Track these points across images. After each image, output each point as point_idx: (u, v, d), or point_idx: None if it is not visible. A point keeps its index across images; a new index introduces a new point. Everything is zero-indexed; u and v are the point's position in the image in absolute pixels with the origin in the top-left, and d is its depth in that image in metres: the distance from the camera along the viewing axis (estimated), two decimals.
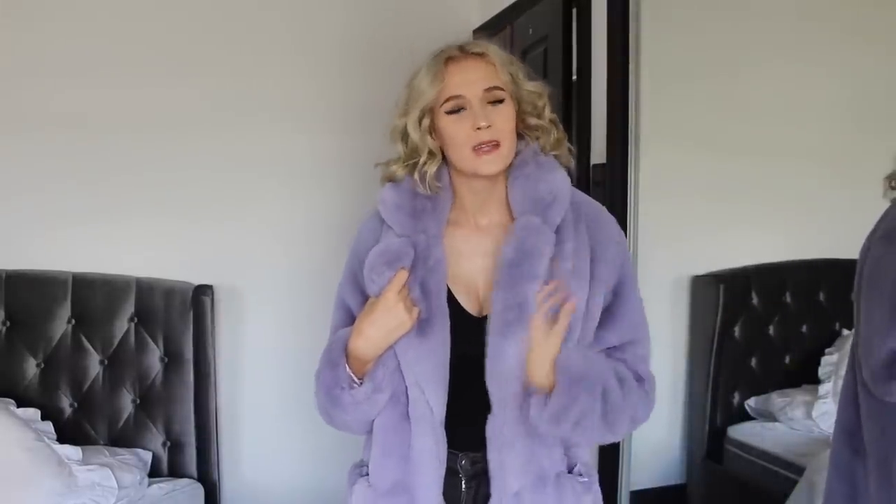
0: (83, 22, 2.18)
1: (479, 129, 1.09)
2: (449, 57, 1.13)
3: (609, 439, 1.16)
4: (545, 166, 1.17)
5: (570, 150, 1.21)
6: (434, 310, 1.12)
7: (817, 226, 2.77)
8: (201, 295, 2.13)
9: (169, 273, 2.20)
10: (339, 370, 1.12)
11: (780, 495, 2.10)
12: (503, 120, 1.12)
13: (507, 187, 1.18)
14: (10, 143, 2.15)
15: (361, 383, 1.11)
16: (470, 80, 1.11)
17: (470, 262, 1.16)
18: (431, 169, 1.15)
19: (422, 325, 1.11)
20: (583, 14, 2.10)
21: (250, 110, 2.32)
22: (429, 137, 1.13)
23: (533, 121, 1.17)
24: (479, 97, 1.11)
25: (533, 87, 1.16)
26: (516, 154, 1.17)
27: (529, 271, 1.09)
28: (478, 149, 1.10)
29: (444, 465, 1.12)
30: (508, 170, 1.17)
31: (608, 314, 1.16)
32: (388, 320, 1.09)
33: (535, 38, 2.32)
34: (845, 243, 2.83)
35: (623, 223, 2.04)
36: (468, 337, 1.12)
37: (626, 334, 1.17)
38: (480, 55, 1.13)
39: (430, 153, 1.14)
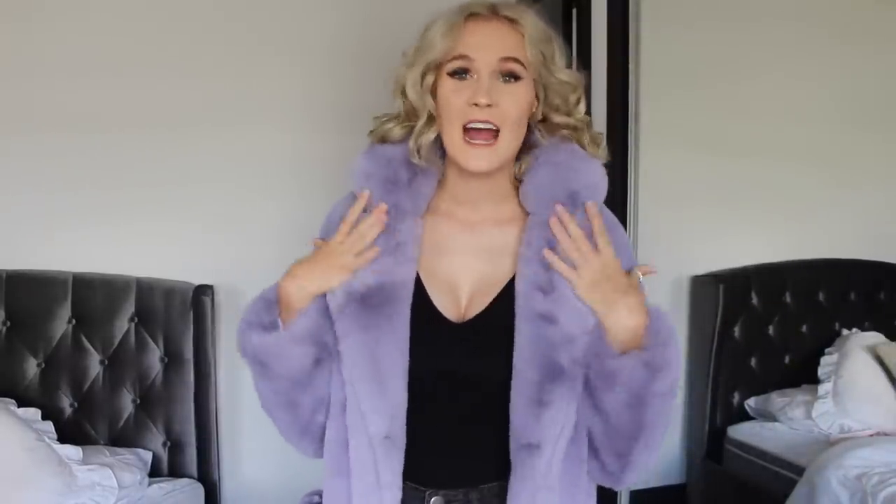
0: (81, 22, 2.17)
1: (475, 104, 0.90)
2: (473, 13, 0.94)
3: (651, 444, 0.96)
4: (579, 154, 0.98)
5: (605, 149, 1.02)
6: (389, 296, 0.93)
7: (817, 226, 2.78)
8: (202, 295, 2.14)
9: (169, 273, 2.20)
10: (264, 305, 1.00)
11: (780, 495, 2.11)
12: (512, 102, 0.92)
13: (515, 177, 1.00)
14: (10, 143, 2.15)
15: None
16: (487, 43, 0.92)
17: (452, 258, 0.97)
18: (428, 136, 0.96)
19: (367, 311, 0.92)
20: (583, 14, 2.11)
21: (251, 110, 2.32)
22: (429, 98, 0.95)
23: (559, 118, 0.98)
24: (491, 66, 0.91)
25: (567, 77, 0.96)
26: (531, 141, 0.98)
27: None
28: (469, 134, 0.91)
29: (394, 494, 0.91)
30: (526, 155, 0.99)
31: None
32: (316, 266, 0.96)
33: None
34: (845, 243, 2.85)
35: (623, 223, 2.03)
36: (443, 347, 0.93)
37: None
38: (511, 21, 0.93)
39: (430, 117, 0.96)
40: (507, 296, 0.94)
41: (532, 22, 0.94)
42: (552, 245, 0.94)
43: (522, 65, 0.92)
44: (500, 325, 0.93)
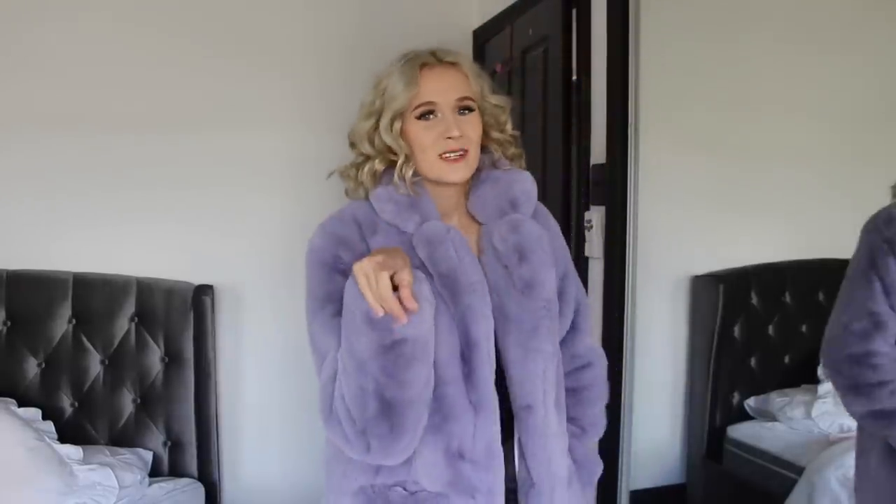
0: (81, 24, 2.18)
1: (449, 137, 1.12)
2: (424, 63, 1.14)
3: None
4: (513, 172, 1.22)
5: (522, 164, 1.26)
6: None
7: (817, 226, 2.77)
8: (202, 295, 2.14)
9: (169, 273, 2.20)
10: (379, 321, 0.96)
11: (779, 495, 2.11)
12: (472, 129, 1.15)
13: (467, 195, 1.21)
14: (10, 143, 2.15)
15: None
16: (443, 87, 1.13)
17: None
18: (408, 171, 1.15)
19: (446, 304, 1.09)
20: (583, 14, 2.10)
21: (251, 111, 2.33)
22: (402, 140, 1.14)
23: (496, 134, 1.21)
24: (450, 105, 1.13)
25: (497, 101, 1.19)
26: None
27: (543, 258, 1.15)
28: (445, 157, 1.12)
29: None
30: (472, 178, 1.19)
31: (562, 299, 1.21)
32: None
33: (535, 38, 2.32)
34: (845, 243, 2.84)
35: (623, 223, 2.05)
36: None
37: (580, 316, 1.26)
38: (454, 64, 1.16)
39: (406, 156, 1.15)
40: None
41: (468, 62, 1.17)
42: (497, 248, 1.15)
43: (472, 99, 1.16)
44: None
